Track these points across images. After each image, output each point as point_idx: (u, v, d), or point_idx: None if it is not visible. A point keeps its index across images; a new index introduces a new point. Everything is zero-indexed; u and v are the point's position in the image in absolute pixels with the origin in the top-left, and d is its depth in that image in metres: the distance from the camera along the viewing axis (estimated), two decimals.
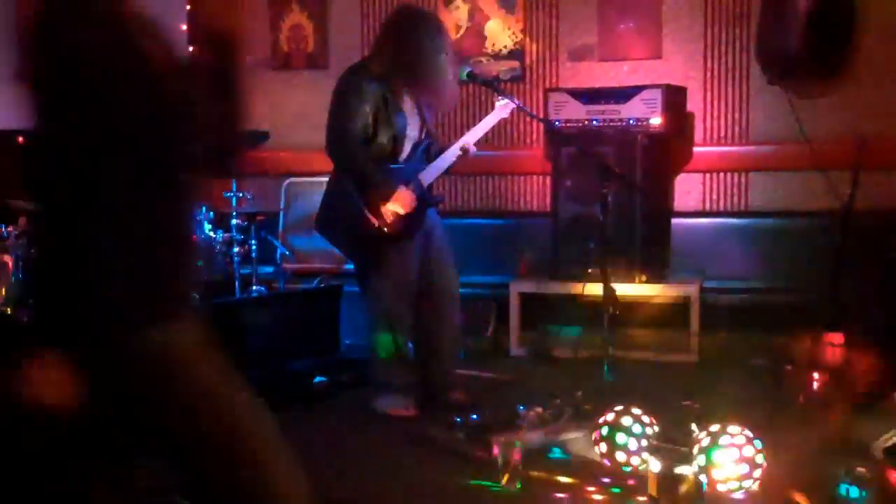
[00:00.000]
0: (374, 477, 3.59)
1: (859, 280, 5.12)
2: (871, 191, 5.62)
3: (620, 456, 3.44)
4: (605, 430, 3.49)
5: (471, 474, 3.51)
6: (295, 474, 1.99)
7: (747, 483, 3.22)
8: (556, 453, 3.70)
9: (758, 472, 3.23)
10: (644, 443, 3.41)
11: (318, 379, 4.84)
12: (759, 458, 3.23)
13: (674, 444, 3.44)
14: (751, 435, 3.26)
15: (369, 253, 4.45)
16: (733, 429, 3.26)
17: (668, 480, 3.15)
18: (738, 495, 3.22)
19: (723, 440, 3.23)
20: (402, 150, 4.46)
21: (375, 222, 4.31)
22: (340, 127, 4.33)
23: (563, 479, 3.44)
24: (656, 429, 3.49)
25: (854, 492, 3.09)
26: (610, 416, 3.50)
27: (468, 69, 4.68)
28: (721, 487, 3.20)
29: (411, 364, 4.52)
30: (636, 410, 3.49)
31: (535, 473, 3.43)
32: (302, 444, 4.01)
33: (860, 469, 3.23)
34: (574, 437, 3.76)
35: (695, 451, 3.27)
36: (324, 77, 6.88)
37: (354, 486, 3.50)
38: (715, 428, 3.28)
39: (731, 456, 3.21)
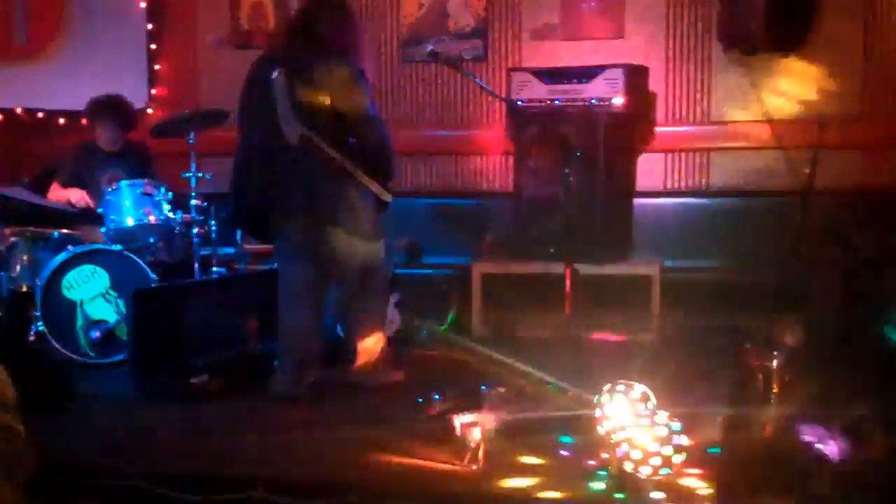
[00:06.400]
0: (336, 457, 3.57)
1: (818, 259, 5.17)
2: (830, 170, 5.68)
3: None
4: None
5: (433, 455, 3.50)
6: None
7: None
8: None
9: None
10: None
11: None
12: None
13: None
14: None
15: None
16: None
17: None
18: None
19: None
20: None
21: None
22: None
23: (527, 460, 3.43)
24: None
25: None
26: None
27: (430, 48, 4.63)
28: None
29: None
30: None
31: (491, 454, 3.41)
32: (262, 426, 4.03)
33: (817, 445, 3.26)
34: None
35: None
36: None
37: (316, 466, 3.48)
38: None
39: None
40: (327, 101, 4.24)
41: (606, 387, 3.51)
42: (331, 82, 4.26)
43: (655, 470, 3.11)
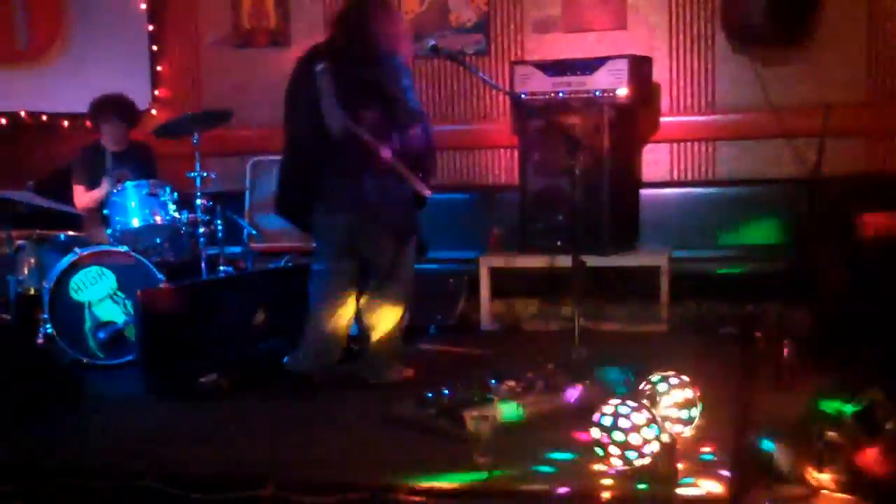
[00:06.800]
0: (345, 454, 3.57)
1: (826, 246, 5.15)
2: (836, 158, 5.66)
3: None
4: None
5: (443, 450, 3.49)
6: None
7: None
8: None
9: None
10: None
11: (287, 358, 4.79)
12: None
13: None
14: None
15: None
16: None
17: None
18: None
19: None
20: None
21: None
22: None
23: (538, 454, 3.42)
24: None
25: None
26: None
27: (432, 42, 4.61)
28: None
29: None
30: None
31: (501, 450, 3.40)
32: (272, 423, 4.02)
33: (831, 433, 3.25)
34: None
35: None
36: (285, 55, 6.82)
37: (325, 463, 3.47)
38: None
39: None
40: (371, 94, 4.27)
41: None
42: (374, 76, 4.28)
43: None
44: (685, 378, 3.51)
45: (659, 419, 3.18)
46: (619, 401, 3.19)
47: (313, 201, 4.48)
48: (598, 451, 3.18)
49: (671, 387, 3.47)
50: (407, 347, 4.78)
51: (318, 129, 4.32)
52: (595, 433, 3.18)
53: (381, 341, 4.56)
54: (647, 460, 3.11)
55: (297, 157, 4.50)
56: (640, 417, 3.12)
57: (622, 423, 3.12)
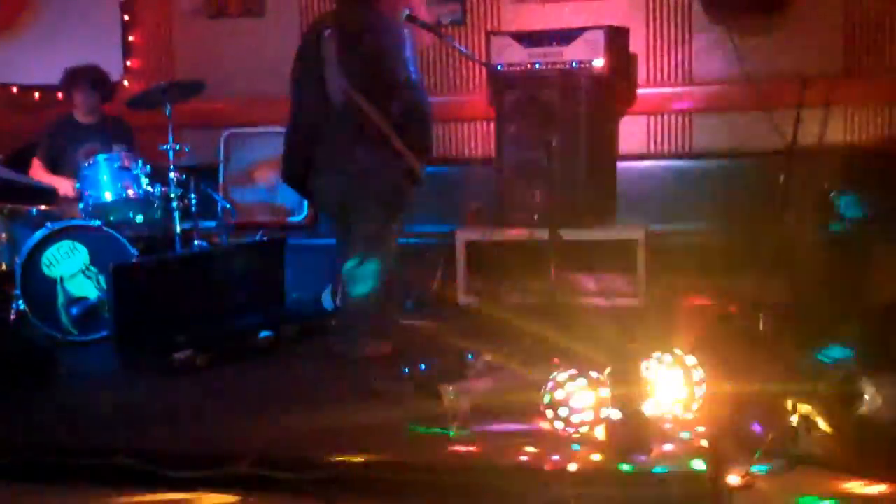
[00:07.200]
0: (322, 430, 3.54)
1: (803, 218, 5.15)
2: (813, 129, 5.65)
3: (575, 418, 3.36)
4: (548, 399, 3.38)
5: (419, 424, 3.48)
6: None
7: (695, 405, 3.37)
8: None
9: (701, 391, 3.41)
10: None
11: (263, 333, 4.77)
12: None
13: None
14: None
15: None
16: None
17: (618, 424, 3.15)
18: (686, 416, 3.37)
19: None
20: None
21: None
22: None
23: (508, 427, 3.41)
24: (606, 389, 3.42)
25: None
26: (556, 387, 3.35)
27: (407, 12, 4.56)
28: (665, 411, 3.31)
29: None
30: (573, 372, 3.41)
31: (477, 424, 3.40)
32: (249, 399, 4.00)
33: (806, 406, 3.26)
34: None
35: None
36: (260, 24, 6.75)
37: (303, 440, 3.45)
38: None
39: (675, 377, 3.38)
40: (372, 62, 4.30)
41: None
42: (376, 45, 4.32)
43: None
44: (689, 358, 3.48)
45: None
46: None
47: (309, 167, 4.53)
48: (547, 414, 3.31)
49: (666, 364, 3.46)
50: (384, 322, 4.76)
51: (321, 95, 4.39)
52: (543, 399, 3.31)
53: (359, 316, 4.53)
54: (585, 429, 3.24)
55: (301, 123, 4.55)
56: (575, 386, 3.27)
57: (560, 391, 3.27)
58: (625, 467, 3.04)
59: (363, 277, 4.49)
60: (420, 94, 4.41)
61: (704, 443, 3.20)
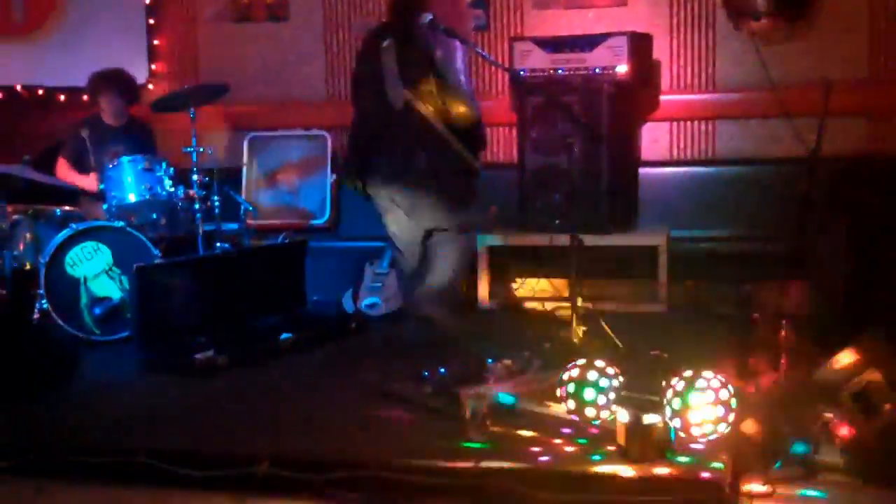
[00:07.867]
0: (341, 432, 3.56)
1: (826, 226, 5.12)
2: (837, 137, 5.61)
3: (590, 411, 3.39)
4: (570, 387, 3.42)
5: (439, 428, 3.48)
6: None
7: (722, 427, 3.20)
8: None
9: (731, 416, 3.23)
10: (612, 395, 3.37)
11: (284, 335, 4.79)
12: (734, 402, 3.22)
13: (643, 394, 3.42)
14: (724, 379, 3.25)
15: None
16: (707, 373, 3.25)
17: (638, 429, 3.13)
18: (712, 437, 3.21)
19: (699, 383, 3.21)
20: None
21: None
22: None
23: (526, 433, 3.40)
24: (621, 380, 3.45)
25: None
26: (574, 372, 3.43)
27: (429, 17, 4.57)
28: (696, 431, 3.18)
29: None
30: (600, 363, 3.45)
31: (497, 429, 3.39)
32: (269, 400, 4.01)
33: (827, 414, 3.24)
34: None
35: (668, 395, 3.25)
36: (284, 29, 6.78)
37: (322, 441, 3.46)
38: (689, 373, 3.26)
39: (707, 398, 3.20)
40: (429, 71, 4.48)
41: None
42: (430, 56, 4.49)
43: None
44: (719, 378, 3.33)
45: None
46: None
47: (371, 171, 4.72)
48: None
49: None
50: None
51: (382, 102, 4.58)
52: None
53: (438, 300, 4.71)
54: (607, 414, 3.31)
55: (362, 129, 4.75)
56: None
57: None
58: (644, 472, 3.03)
59: (441, 270, 4.70)
60: (468, 101, 4.58)
61: (724, 449, 3.18)
